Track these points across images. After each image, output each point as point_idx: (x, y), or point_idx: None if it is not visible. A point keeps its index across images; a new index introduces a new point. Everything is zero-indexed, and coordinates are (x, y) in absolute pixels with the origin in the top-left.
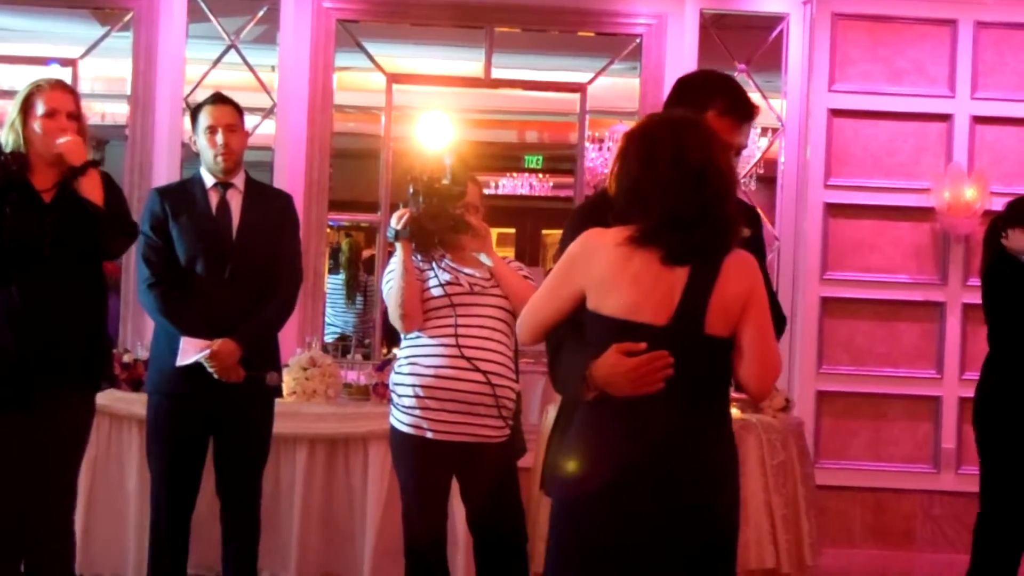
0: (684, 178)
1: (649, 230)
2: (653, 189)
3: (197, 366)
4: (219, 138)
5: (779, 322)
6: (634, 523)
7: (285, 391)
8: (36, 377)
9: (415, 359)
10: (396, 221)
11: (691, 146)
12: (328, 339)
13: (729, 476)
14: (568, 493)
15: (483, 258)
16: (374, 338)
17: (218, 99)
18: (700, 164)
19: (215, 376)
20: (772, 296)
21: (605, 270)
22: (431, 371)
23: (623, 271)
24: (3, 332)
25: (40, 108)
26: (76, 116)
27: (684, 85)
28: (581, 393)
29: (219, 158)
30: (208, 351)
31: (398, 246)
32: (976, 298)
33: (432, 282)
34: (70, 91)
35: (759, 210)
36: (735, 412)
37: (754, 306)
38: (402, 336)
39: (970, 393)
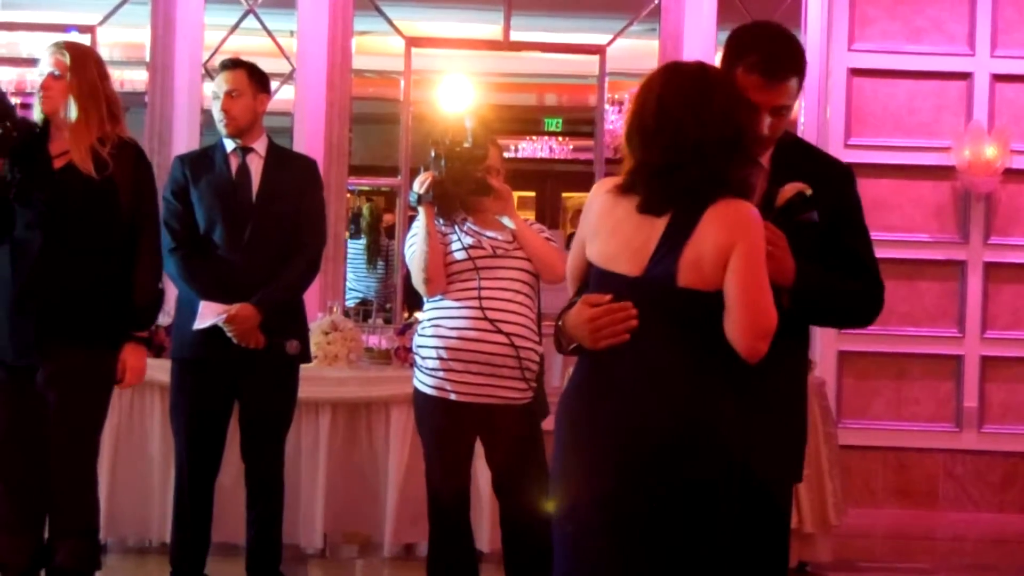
0: (663, 127)
1: (629, 178)
2: (635, 136)
3: (219, 331)
4: (219, 103)
5: (872, 291)
6: (580, 481)
7: None
8: (37, 341)
9: (439, 322)
10: (418, 185)
11: (675, 95)
12: (349, 304)
13: (699, 440)
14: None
15: (506, 221)
16: (395, 302)
17: (224, 65)
18: (681, 113)
19: (235, 341)
20: (851, 263)
21: (594, 218)
22: (455, 333)
23: (606, 219)
24: (3, 295)
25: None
26: (62, 76)
27: (728, 38)
28: (559, 346)
29: (220, 123)
30: (225, 315)
31: (421, 210)
32: (997, 256)
33: (455, 245)
34: (62, 51)
35: (851, 171)
36: None
37: (739, 259)
38: (425, 299)
39: (991, 352)
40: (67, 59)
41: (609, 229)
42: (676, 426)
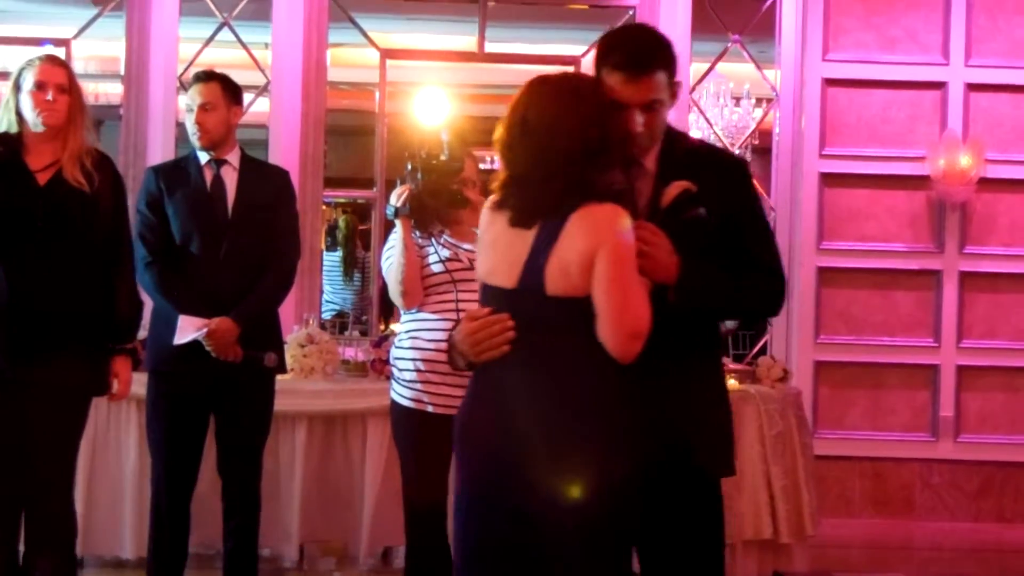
0: (528, 141)
1: (501, 193)
2: (504, 151)
3: (195, 344)
4: (192, 117)
5: (769, 283)
6: (468, 490)
7: None
8: (23, 353)
9: (416, 334)
10: (395, 198)
11: (538, 107)
12: (326, 316)
13: (573, 446)
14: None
15: None
16: (372, 314)
17: (198, 77)
18: (544, 125)
19: (213, 354)
20: (757, 252)
21: (480, 234)
22: (432, 346)
23: (486, 234)
24: None
25: (29, 83)
26: (67, 90)
27: (596, 44)
28: (453, 363)
29: (194, 136)
30: (205, 329)
31: (397, 223)
32: (972, 266)
33: (432, 258)
34: (61, 65)
35: (745, 165)
36: (732, 383)
37: (603, 263)
38: (402, 312)
39: (967, 361)
40: (67, 73)
41: (488, 244)
42: (550, 433)
